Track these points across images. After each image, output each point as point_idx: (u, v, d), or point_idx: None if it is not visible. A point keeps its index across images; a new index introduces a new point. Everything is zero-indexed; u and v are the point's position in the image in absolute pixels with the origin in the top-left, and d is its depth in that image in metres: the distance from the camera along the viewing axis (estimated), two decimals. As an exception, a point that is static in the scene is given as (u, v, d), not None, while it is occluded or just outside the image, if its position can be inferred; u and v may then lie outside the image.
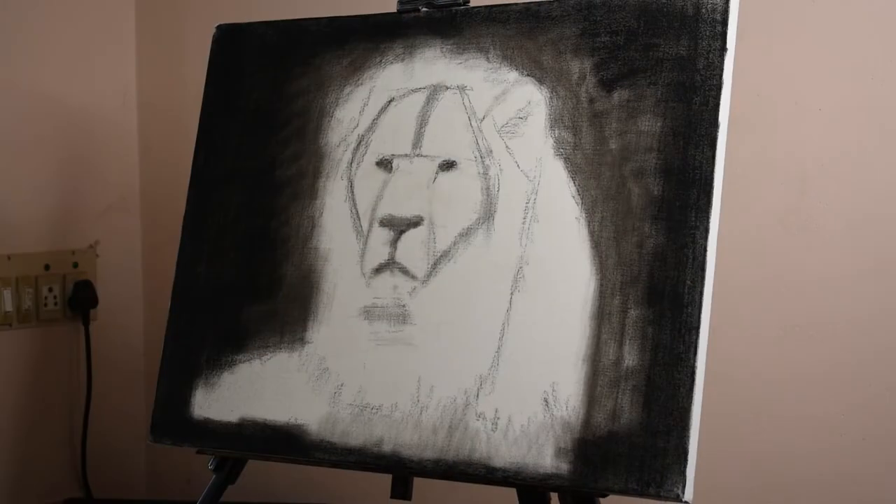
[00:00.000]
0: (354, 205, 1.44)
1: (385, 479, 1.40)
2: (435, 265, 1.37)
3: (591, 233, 1.30)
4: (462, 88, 1.41)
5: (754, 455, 1.67)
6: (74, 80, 2.13)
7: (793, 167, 1.64)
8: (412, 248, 1.39)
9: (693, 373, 1.21)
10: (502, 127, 1.38)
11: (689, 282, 1.23)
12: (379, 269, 1.40)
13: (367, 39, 1.49)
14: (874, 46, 1.60)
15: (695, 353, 1.22)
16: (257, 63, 1.55)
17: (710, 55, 1.28)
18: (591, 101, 1.33)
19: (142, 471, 2.24)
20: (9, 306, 2.01)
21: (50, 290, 2.07)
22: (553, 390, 1.27)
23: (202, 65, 1.62)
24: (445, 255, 1.37)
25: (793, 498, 1.65)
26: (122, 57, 2.22)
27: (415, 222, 1.39)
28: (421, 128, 1.42)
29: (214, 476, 1.48)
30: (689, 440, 1.19)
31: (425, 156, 1.41)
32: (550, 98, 1.36)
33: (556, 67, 1.36)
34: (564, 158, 1.33)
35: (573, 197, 1.32)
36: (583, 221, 1.30)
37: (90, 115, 2.16)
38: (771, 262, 1.66)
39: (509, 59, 1.39)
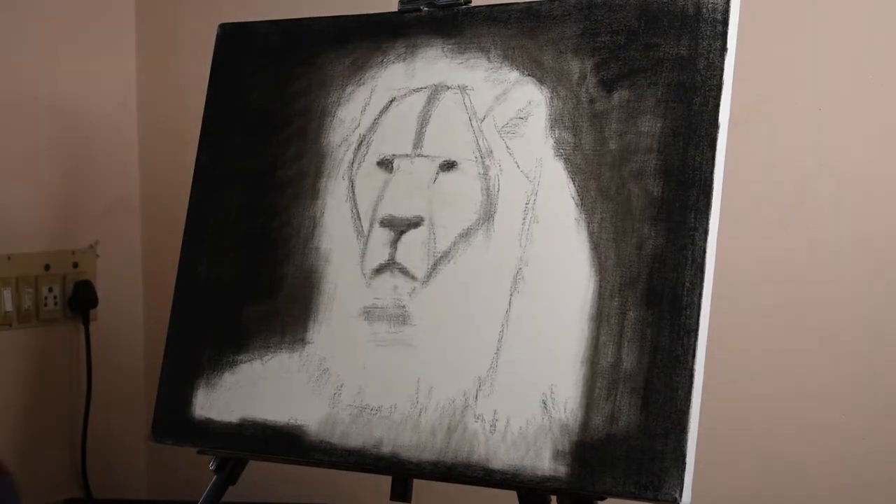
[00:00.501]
0: (355, 205, 1.44)
1: (385, 481, 1.40)
2: (435, 266, 1.37)
3: (591, 234, 1.30)
4: (463, 88, 1.41)
5: (753, 458, 1.67)
6: (74, 81, 2.13)
7: (793, 167, 1.64)
8: (412, 248, 1.39)
9: (692, 375, 1.21)
10: (503, 127, 1.37)
11: (688, 283, 1.23)
12: (379, 270, 1.40)
13: (368, 39, 1.49)
14: (874, 46, 1.60)
15: (693, 356, 1.21)
16: (259, 62, 1.55)
17: (711, 55, 1.28)
18: (592, 101, 1.33)
19: (142, 471, 2.24)
20: (9, 306, 2.01)
21: (50, 290, 2.07)
22: (552, 392, 1.27)
23: (202, 65, 1.62)
24: (445, 256, 1.37)
25: (793, 500, 1.65)
26: (122, 57, 2.22)
27: (415, 223, 1.39)
28: (422, 128, 1.42)
29: (215, 476, 1.48)
30: (687, 443, 1.19)
31: (426, 156, 1.41)
32: (551, 98, 1.35)
33: (557, 67, 1.36)
34: (564, 159, 1.33)
35: (573, 198, 1.32)
36: (582, 223, 1.30)
37: (90, 116, 2.16)
38: (771, 262, 1.66)
39: (510, 58, 1.39)
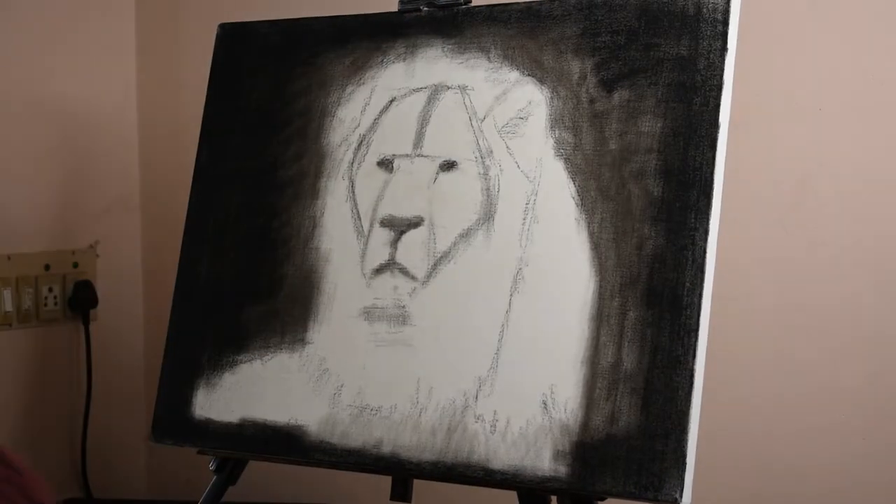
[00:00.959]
0: (355, 205, 1.44)
1: (385, 481, 1.40)
2: (435, 266, 1.37)
3: (591, 234, 1.30)
4: (463, 88, 1.41)
5: (753, 458, 1.67)
6: (74, 81, 2.13)
7: (793, 167, 1.64)
8: (412, 248, 1.39)
9: (692, 375, 1.21)
10: (503, 127, 1.37)
11: (688, 284, 1.23)
12: (379, 270, 1.40)
13: (368, 39, 1.49)
14: (874, 47, 1.60)
15: (693, 356, 1.21)
16: (259, 62, 1.55)
17: (711, 55, 1.28)
18: (592, 101, 1.33)
19: (142, 471, 2.24)
20: (9, 306, 2.01)
21: (50, 290, 2.07)
22: (552, 392, 1.27)
23: (202, 65, 1.62)
24: (445, 256, 1.37)
25: (793, 500, 1.65)
26: (122, 58, 2.22)
27: (415, 223, 1.39)
28: (422, 128, 1.42)
29: (215, 477, 1.48)
30: (687, 443, 1.19)
31: (426, 156, 1.41)
32: (551, 98, 1.35)
33: (557, 67, 1.36)
34: (565, 159, 1.33)
35: (573, 198, 1.32)
36: (582, 223, 1.30)
37: (90, 115, 2.16)
38: (771, 262, 1.66)
39: (510, 58, 1.39)
